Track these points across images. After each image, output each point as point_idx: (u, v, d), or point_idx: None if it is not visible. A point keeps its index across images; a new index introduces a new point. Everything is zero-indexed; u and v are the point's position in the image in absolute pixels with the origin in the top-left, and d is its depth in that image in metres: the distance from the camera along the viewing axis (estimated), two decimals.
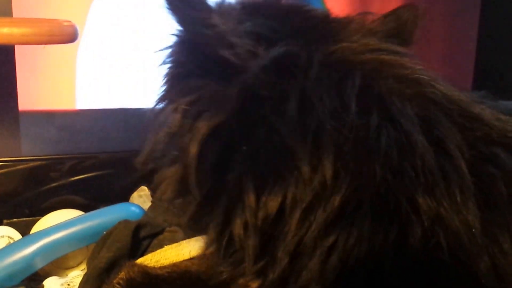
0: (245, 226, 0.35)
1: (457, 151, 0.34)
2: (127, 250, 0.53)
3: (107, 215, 0.59)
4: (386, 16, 0.50)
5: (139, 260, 0.55)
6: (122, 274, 0.52)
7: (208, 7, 0.41)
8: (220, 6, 0.42)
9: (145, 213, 0.60)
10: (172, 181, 0.40)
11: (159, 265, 0.54)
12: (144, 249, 0.57)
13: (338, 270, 0.33)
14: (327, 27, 0.43)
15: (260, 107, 0.35)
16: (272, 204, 0.34)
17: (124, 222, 0.55)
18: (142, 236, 0.56)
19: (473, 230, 0.33)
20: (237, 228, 0.35)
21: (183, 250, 0.55)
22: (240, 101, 0.35)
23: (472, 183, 0.34)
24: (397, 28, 0.49)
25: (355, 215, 0.33)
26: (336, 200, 0.32)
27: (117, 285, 0.51)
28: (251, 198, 0.34)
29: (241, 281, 0.40)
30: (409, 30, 0.50)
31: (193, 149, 0.36)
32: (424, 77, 0.39)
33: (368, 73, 0.36)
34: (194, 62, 0.38)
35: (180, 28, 0.39)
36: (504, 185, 0.34)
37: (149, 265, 0.54)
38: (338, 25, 0.45)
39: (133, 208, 0.61)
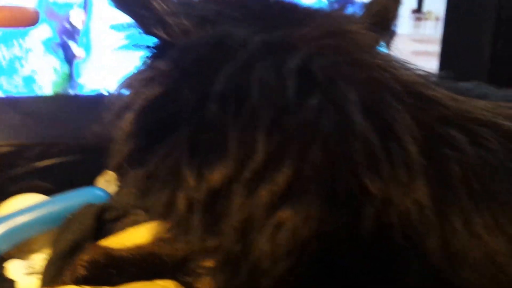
0: (189, 202, 0.36)
1: (405, 133, 0.34)
2: (91, 232, 0.54)
3: (72, 199, 0.60)
4: (369, 3, 0.52)
5: (103, 242, 0.57)
6: (85, 256, 0.53)
7: None
8: None
9: (110, 196, 0.61)
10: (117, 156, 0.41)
11: (123, 247, 0.55)
12: (109, 232, 0.58)
13: (288, 248, 0.34)
14: (290, 15, 0.45)
15: (189, 83, 0.36)
16: (214, 178, 0.35)
17: (88, 206, 0.56)
18: (106, 219, 0.57)
19: (424, 210, 0.34)
20: (181, 204, 0.36)
21: (147, 232, 0.57)
22: (171, 77, 0.37)
23: (423, 163, 0.34)
24: (379, 15, 0.51)
25: (301, 195, 0.34)
26: (280, 178, 0.34)
27: (80, 267, 0.52)
28: (191, 173, 0.35)
29: (198, 260, 0.42)
30: (389, 16, 0.51)
31: (128, 122, 0.37)
32: (381, 61, 0.40)
33: (316, 57, 0.38)
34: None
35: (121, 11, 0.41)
36: (458, 165, 0.35)
37: (114, 247, 0.55)
38: (304, 13, 0.46)
39: (97, 192, 0.61)
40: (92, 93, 0.77)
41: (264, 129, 0.34)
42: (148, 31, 0.39)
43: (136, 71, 0.41)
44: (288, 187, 0.34)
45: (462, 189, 0.34)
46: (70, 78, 0.76)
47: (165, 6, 0.39)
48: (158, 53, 0.40)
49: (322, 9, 0.47)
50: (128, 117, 0.39)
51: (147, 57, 0.41)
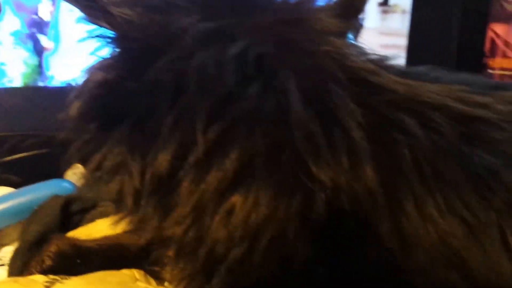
0: (136, 191, 0.37)
1: (349, 119, 0.35)
2: (57, 224, 0.54)
3: (39, 191, 0.60)
4: None
5: (70, 234, 0.56)
6: (51, 247, 0.53)
7: None
8: None
9: (77, 188, 0.61)
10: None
11: (89, 238, 0.55)
12: (76, 224, 0.58)
13: (242, 233, 0.35)
14: (247, 3, 0.45)
15: (131, 72, 0.38)
16: (159, 165, 0.36)
17: (55, 197, 0.56)
18: (73, 211, 0.57)
19: (374, 195, 0.34)
20: (129, 194, 0.37)
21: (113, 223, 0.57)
22: (115, 66, 0.38)
23: (370, 148, 0.35)
24: (346, 5, 0.51)
25: (250, 181, 0.34)
26: (227, 165, 0.34)
27: (47, 258, 0.52)
28: (135, 162, 0.36)
29: (160, 249, 0.42)
30: (357, 7, 0.52)
31: (75, 111, 0.39)
32: (332, 49, 0.41)
33: (260, 45, 0.38)
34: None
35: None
36: (408, 149, 0.35)
37: (81, 238, 0.55)
38: (264, 1, 0.46)
39: (65, 184, 0.61)
40: (62, 85, 0.76)
41: (203, 117, 0.35)
42: (94, 22, 0.39)
43: (91, 62, 0.42)
44: (237, 173, 0.35)
45: (413, 173, 0.35)
46: (39, 70, 0.75)
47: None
48: (109, 43, 0.40)
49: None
50: (75, 106, 0.39)
51: (100, 47, 0.42)
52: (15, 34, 0.76)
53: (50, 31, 0.77)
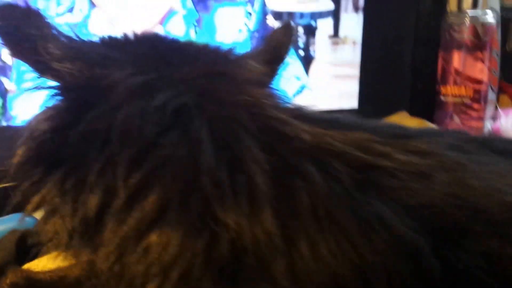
0: (69, 231, 0.41)
1: (254, 166, 0.39)
2: (12, 257, 0.58)
3: (2, 224, 0.64)
4: (265, 39, 0.57)
5: (26, 266, 0.60)
6: (7, 279, 0.57)
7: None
8: None
9: (36, 222, 0.65)
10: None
11: (42, 270, 0.58)
12: (33, 256, 0.62)
13: (156, 269, 0.38)
14: (177, 56, 0.49)
15: (69, 122, 0.43)
16: (90, 208, 0.40)
17: (12, 232, 0.60)
18: (31, 244, 0.61)
19: (272, 237, 0.38)
20: (63, 233, 0.41)
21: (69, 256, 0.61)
22: (56, 117, 0.44)
23: (271, 194, 0.39)
24: (272, 50, 0.56)
25: (164, 223, 0.38)
26: (146, 207, 0.38)
27: None
28: (66, 205, 0.40)
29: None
30: (282, 51, 0.56)
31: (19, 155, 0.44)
32: (249, 100, 0.45)
33: (182, 97, 0.42)
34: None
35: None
36: (307, 195, 0.39)
37: (34, 270, 0.59)
38: (191, 54, 0.51)
39: (26, 219, 0.65)
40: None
41: (124, 165, 0.39)
42: (41, 75, 0.44)
43: (39, 110, 0.46)
44: (153, 215, 0.39)
45: (309, 217, 0.39)
46: (4, 110, 0.80)
47: (55, 51, 0.44)
48: (53, 94, 0.45)
49: (212, 49, 0.52)
50: (22, 151, 0.44)
51: (49, 96, 0.46)
52: None
53: (12, 74, 0.81)
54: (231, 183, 0.39)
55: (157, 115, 0.41)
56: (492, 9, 1.25)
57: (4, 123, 0.82)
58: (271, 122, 0.43)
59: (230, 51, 0.52)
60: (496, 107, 1.37)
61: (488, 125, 1.27)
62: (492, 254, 0.38)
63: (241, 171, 0.39)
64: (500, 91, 1.43)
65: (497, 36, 1.30)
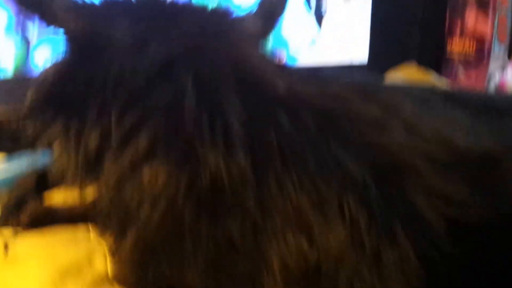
0: (76, 164, 0.48)
1: (232, 113, 0.45)
2: (32, 191, 0.66)
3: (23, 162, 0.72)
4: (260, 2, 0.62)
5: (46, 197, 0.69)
6: (27, 210, 0.65)
7: None
8: None
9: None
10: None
11: (57, 203, 0.67)
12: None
13: (148, 196, 0.46)
14: (174, 15, 0.54)
15: (73, 69, 0.50)
16: (91, 142, 0.47)
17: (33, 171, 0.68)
18: (50, 180, 0.69)
19: (245, 173, 0.44)
20: (71, 167, 0.48)
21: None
22: (64, 63, 0.50)
23: (246, 137, 0.45)
24: (265, 11, 0.61)
25: (154, 158, 0.45)
26: (138, 145, 0.45)
27: (25, 216, 0.64)
28: (72, 141, 0.47)
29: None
30: (276, 11, 0.61)
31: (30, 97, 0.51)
32: (236, 55, 0.50)
33: (172, 52, 0.48)
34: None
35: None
36: (276, 139, 0.45)
37: (50, 203, 0.67)
38: (192, 13, 0.56)
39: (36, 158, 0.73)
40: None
41: (117, 109, 0.46)
42: (49, 24, 0.51)
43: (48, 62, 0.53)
44: (145, 152, 0.46)
45: (277, 157, 0.45)
46: (26, 61, 0.86)
47: (61, 2, 0.50)
48: (62, 45, 0.51)
49: (210, 11, 0.57)
50: (31, 94, 0.51)
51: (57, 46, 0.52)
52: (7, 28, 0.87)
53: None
54: (211, 127, 0.45)
55: (147, 67, 0.47)
56: None
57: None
58: (252, 76, 0.49)
59: (226, 12, 0.57)
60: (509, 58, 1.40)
61: (497, 77, 1.30)
62: (433, 191, 0.44)
63: (220, 117, 0.45)
64: None
65: None
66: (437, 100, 0.53)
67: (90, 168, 0.49)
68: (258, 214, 0.44)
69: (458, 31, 1.24)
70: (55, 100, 0.50)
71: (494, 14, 1.21)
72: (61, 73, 0.50)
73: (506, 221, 0.43)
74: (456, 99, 0.54)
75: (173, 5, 0.57)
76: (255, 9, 0.60)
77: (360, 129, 0.46)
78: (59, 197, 0.66)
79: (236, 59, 0.50)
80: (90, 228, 0.60)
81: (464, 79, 1.27)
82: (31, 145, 0.52)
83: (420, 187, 0.44)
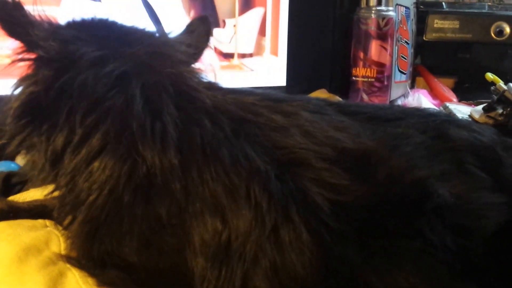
0: (44, 160, 0.58)
1: (168, 118, 0.56)
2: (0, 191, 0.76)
3: None
4: (187, 26, 0.74)
5: (10, 198, 0.78)
6: None
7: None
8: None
9: (20, 167, 0.83)
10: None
11: (22, 201, 0.76)
12: (16, 192, 0.80)
13: (96, 185, 0.56)
14: (128, 38, 0.66)
15: (47, 84, 0.60)
16: (58, 143, 0.58)
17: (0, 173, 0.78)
18: (14, 182, 0.79)
19: (173, 166, 0.54)
20: (40, 163, 0.58)
21: (44, 191, 0.79)
22: (41, 81, 0.60)
23: (177, 137, 0.55)
24: (192, 39, 0.73)
25: (104, 153, 0.56)
26: (93, 143, 0.56)
27: None
28: (44, 141, 0.58)
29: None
30: (202, 41, 0.73)
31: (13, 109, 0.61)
32: (173, 71, 0.62)
33: (126, 67, 0.60)
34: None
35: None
36: (200, 137, 0.56)
37: (16, 200, 0.77)
38: (139, 37, 0.68)
39: (12, 165, 0.83)
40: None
41: (80, 113, 0.57)
42: (31, 50, 0.62)
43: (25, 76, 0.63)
44: (98, 148, 0.56)
45: (199, 152, 0.56)
46: None
47: (41, 33, 0.61)
48: (39, 63, 0.62)
49: (151, 33, 0.70)
50: (14, 105, 0.61)
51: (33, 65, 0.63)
52: None
53: None
54: (151, 128, 0.56)
55: (105, 79, 0.58)
56: (399, 5, 1.46)
57: None
58: (186, 89, 0.61)
59: (164, 35, 0.70)
60: (412, 87, 1.60)
61: (399, 102, 1.49)
62: (321, 180, 0.55)
63: (159, 120, 0.56)
64: (418, 74, 1.68)
65: (408, 27, 1.53)
66: (330, 110, 0.66)
67: (55, 164, 0.59)
68: (183, 198, 0.54)
69: (361, 60, 1.41)
70: (33, 109, 0.60)
71: (392, 46, 1.41)
72: (40, 86, 0.60)
73: (378, 200, 0.55)
74: (347, 110, 0.67)
75: (124, 27, 0.69)
76: (182, 34, 0.73)
77: (266, 132, 0.58)
78: (24, 198, 0.76)
79: (174, 75, 0.62)
80: (47, 223, 0.70)
81: (367, 99, 1.45)
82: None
83: (312, 178, 0.55)
